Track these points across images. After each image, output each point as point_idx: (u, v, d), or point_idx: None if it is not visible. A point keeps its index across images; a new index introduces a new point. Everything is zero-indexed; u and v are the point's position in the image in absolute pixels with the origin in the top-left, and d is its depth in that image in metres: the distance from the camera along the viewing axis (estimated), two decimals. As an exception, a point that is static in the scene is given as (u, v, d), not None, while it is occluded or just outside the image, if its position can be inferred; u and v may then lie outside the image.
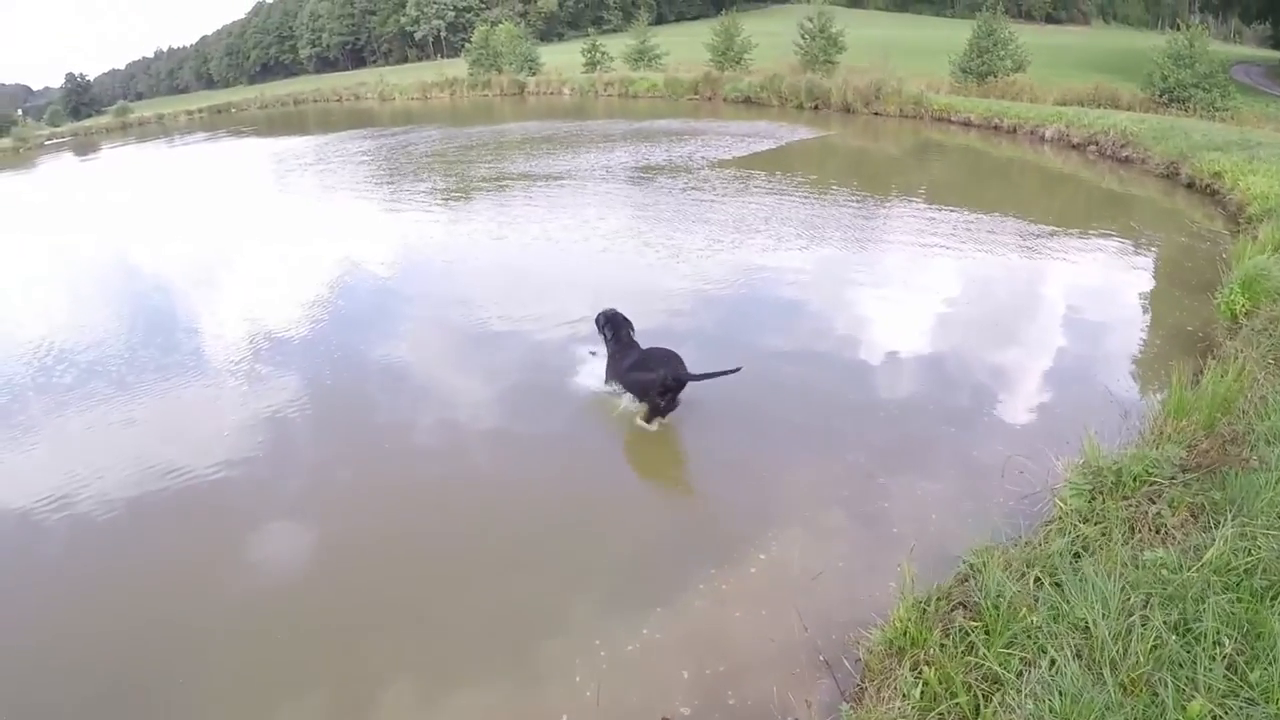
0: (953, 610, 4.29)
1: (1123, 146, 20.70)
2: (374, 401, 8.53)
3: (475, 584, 5.76)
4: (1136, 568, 4.34)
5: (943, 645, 4.03)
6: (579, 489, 6.81)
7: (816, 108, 34.50)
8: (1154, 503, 4.96)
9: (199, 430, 8.18)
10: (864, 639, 4.41)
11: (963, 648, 3.98)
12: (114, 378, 9.72)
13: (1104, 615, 3.92)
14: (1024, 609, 4.05)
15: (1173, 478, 5.17)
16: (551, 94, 54.01)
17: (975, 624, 4.08)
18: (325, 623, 5.43)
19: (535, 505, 6.60)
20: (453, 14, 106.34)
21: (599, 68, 53.89)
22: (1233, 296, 8.99)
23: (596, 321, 8.12)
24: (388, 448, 7.61)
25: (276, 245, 16.98)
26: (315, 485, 7.15)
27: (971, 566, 4.71)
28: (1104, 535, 4.73)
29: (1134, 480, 5.25)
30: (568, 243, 14.42)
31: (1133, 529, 4.83)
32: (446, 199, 20.24)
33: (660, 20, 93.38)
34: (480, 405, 8.17)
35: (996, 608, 4.14)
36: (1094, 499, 5.24)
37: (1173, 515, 4.81)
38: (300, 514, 6.82)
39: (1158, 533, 4.81)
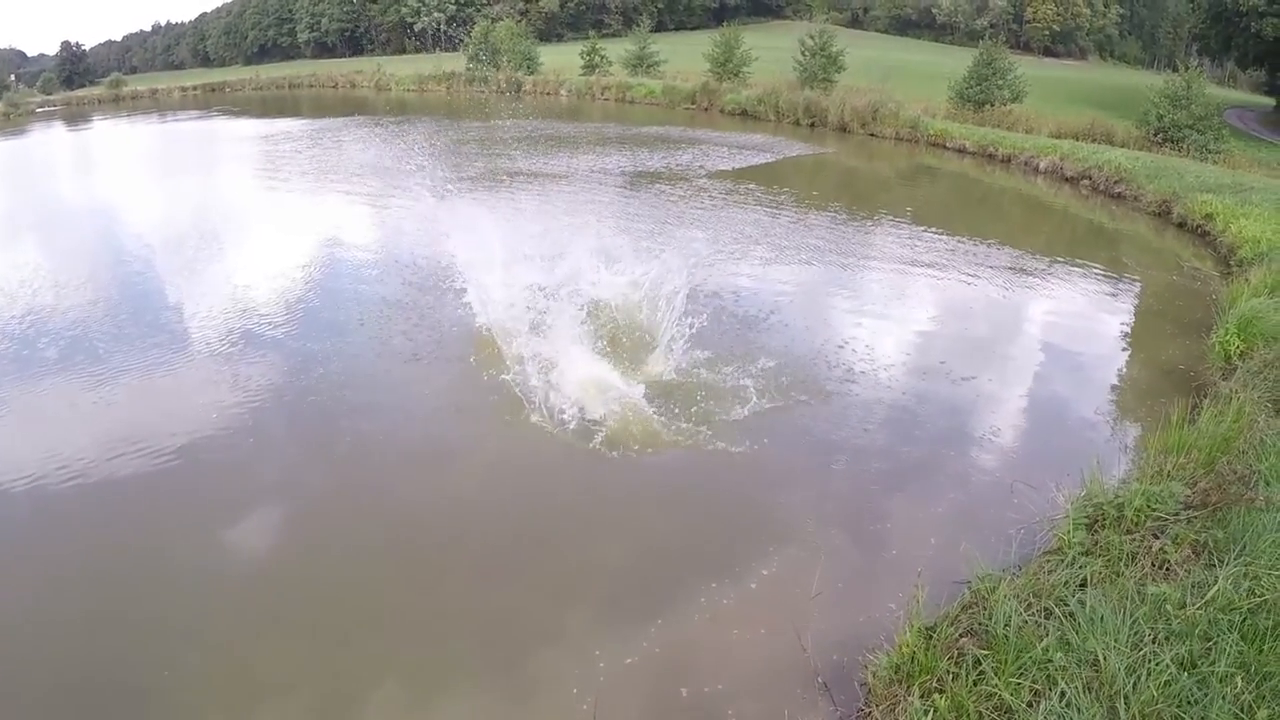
0: (960, 637, 4.26)
1: (1116, 182, 20.93)
2: (363, 396, 8.38)
3: (465, 586, 5.67)
4: (1142, 602, 4.33)
5: (952, 673, 4.00)
6: (575, 497, 6.72)
7: (813, 125, 34.63)
8: (1158, 538, 4.96)
9: (182, 416, 8.03)
10: (870, 663, 4.37)
11: (973, 676, 3.94)
12: (99, 356, 9.54)
13: (1114, 649, 3.90)
14: (1036, 639, 4.02)
15: (1176, 514, 5.17)
16: (548, 94, 53.86)
17: (985, 652, 4.04)
18: (307, 621, 5.32)
19: (530, 512, 6.52)
20: (454, 7, 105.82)
21: (597, 71, 53.78)
22: (1228, 338, 9.08)
23: None
24: (377, 442, 7.48)
25: (263, 231, 16.77)
26: (301, 479, 7.02)
27: (976, 593, 4.68)
28: (1108, 568, 4.72)
29: (1136, 514, 5.26)
30: (564, 245, 14.27)
31: (1135, 563, 4.82)
32: (439, 193, 20.05)
33: (660, 28, 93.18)
34: (473, 405, 8.05)
35: (1006, 636, 4.11)
36: (1096, 531, 5.24)
37: (1176, 551, 4.81)
38: (285, 508, 6.71)
39: (1160, 568, 4.82)
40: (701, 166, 23.34)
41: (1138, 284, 13.54)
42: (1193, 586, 4.50)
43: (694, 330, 8.84)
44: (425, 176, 22.15)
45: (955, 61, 40.41)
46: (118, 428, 7.78)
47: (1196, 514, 5.21)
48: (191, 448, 7.36)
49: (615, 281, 9.98)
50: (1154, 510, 5.25)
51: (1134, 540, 5.03)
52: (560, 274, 10.14)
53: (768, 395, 8.06)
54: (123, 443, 7.43)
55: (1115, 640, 3.96)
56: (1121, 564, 4.76)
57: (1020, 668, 3.92)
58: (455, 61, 65.71)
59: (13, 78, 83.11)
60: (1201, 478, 5.74)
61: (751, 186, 20.60)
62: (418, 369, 8.92)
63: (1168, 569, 4.79)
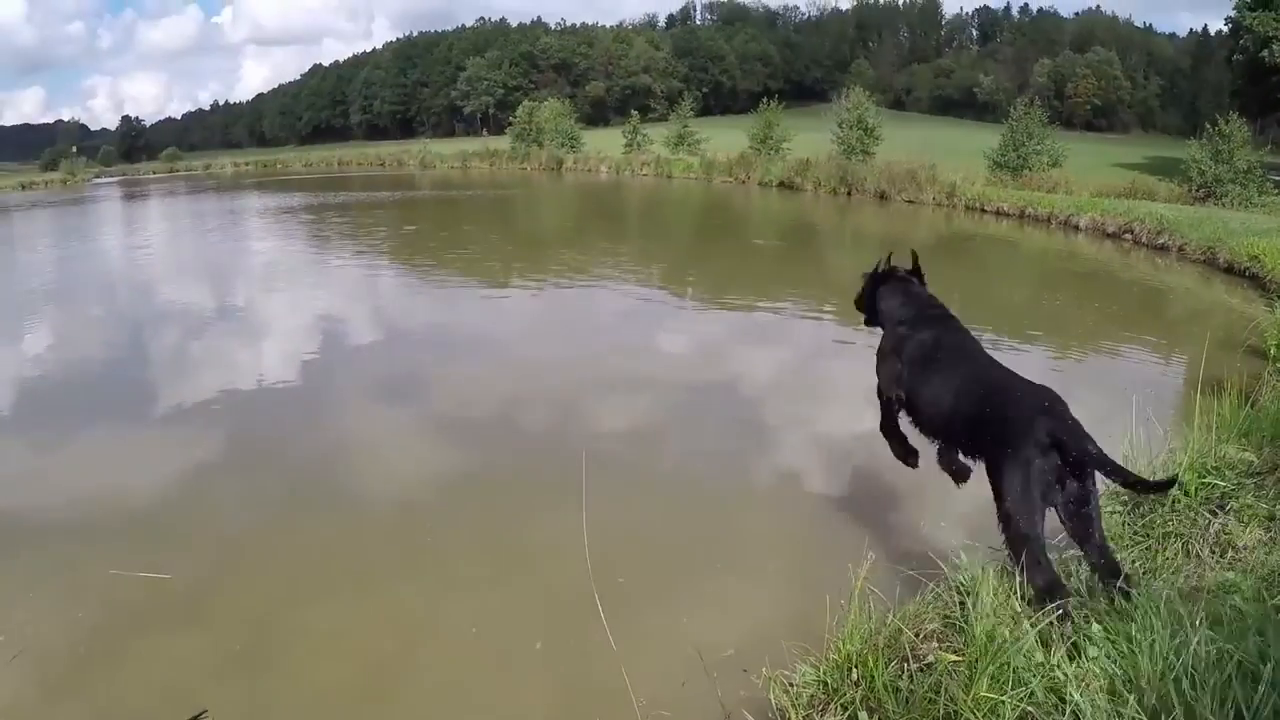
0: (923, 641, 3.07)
1: (1159, 234, 19.65)
2: (401, 462, 7.24)
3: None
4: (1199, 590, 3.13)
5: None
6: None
7: (850, 194, 34.03)
8: (1216, 515, 3.73)
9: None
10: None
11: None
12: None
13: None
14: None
15: (1239, 485, 3.94)
16: (588, 170, 54.35)
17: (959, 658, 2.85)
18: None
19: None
20: (502, 92, 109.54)
21: (638, 148, 54.24)
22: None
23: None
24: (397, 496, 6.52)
25: (309, 307, 15.49)
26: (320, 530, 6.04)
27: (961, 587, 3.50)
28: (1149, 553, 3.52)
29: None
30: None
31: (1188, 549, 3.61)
32: (487, 279, 18.81)
33: (705, 112, 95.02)
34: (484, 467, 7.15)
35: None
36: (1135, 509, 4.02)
37: (1244, 531, 3.59)
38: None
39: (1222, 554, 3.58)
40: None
41: (1183, 344, 11.99)
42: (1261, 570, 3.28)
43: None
44: (470, 256, 20.95)
45: (995, 138, 39.61)
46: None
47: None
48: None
49: None
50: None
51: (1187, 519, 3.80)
52: None
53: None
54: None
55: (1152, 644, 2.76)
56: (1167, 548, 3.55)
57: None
58: (502, 143, 67.25)
59: (74, 150, 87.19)
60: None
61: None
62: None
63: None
